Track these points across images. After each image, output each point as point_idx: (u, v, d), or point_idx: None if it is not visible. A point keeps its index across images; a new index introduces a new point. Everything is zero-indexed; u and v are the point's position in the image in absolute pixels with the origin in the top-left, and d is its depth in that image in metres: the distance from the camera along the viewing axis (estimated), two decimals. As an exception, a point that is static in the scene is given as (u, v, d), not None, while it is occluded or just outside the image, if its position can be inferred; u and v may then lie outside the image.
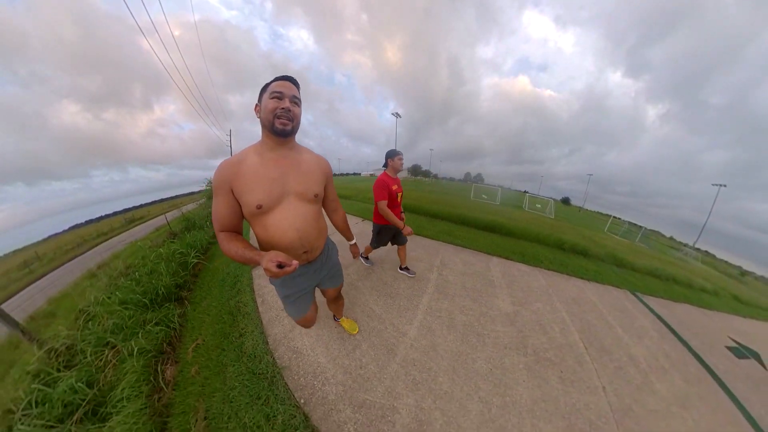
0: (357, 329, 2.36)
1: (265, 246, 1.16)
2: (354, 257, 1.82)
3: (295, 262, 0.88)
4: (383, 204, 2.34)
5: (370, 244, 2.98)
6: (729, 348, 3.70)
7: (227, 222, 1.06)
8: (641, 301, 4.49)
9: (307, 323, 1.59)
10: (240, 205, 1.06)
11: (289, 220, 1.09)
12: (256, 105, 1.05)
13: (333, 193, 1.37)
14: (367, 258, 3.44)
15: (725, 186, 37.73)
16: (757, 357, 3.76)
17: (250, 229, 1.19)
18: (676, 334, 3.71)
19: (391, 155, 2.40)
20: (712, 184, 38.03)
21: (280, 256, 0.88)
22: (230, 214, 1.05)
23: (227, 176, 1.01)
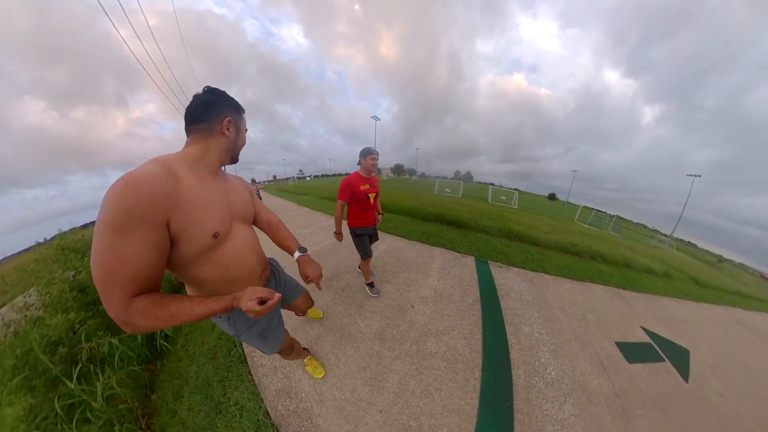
0: (321, 314, 2.30)
1: (216, 284, 0.84)
2: (307, 279, 1.07)
3: (277, 295, 0.74)
4: (339, 204, 2.09)
5: (361, 256, 2.41)
6: (621, 344, 2.24)
7: (150, 275, 0.63)
8: (482, 268, 3.36)
9: (287, 348, 1.30)
10: (170, 245, 0.69)
11: (246, 244, 0.92)
12: (229, 119, 0.83)
13: (260, 205, 1.14)
14: (371, 285, 2.61)
15: (699, 176, 36.34)
16: (679, 357, 2.32)
17: (178, 276, 0.80)
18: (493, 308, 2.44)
19: (364, 154, 2.05)
20: (687, 175, 36.58)
21: (259, 291, 0.72)
22: (157, 260, 0.64)
23: (161, 201, 0.62)
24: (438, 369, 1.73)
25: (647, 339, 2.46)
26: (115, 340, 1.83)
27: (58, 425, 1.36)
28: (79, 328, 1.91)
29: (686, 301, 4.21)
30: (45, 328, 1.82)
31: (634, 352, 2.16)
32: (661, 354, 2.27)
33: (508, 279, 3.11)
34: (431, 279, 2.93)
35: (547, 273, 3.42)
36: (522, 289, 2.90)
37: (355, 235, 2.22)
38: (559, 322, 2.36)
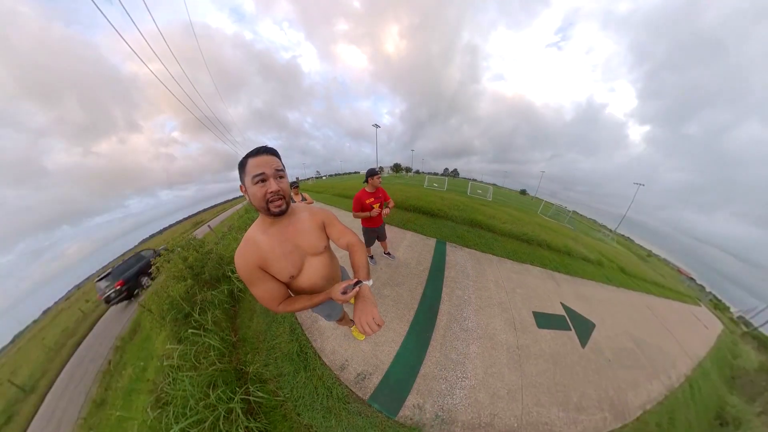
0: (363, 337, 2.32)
1: (301, 294, 1.14)
2: (341, 299, 0.99)
3: (354, 280, 0.93)
4: (356, 214, 2.47)
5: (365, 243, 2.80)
6: (537, 313, 2.46)
7: (279, 295, 1.02)
8: (440, 247, 3.74)
9: (342, 321, 1.80)
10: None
11: (316, 274, 1.11)
12: (241, 186, 0.94)
13: (338, 232, 1.17)
14: (371, 257, 3.32)
15: (643, 185, 39.30)
16: (584, 328, 2.58)
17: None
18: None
19: (371, 174, 2.39)
20: (634, 183, 39.37)
21: (342, 285, 0.92)
22: (277, 287, 1.02)
23: (255, 262, 0.97)
24: (386, 305, 2.42)
25: (562, 312, 2.71)
26: (215, 293, 2.86)
27: (189, 339, 2.19)
28: (191, 289, 2.94)
29: (609, 285, 4.66)
30: (177, 289, 2.88)
31: (546, 321, 2.38)
32: (570, 324, 2.52)
33: (458, 256, 3.31)
34: (398, 252, 3.47)
35: (494, 254, 3.61)
36: (467, 264, 3.13)
37: (365, 232, 2.75)
38: (489, 291, 2.58)
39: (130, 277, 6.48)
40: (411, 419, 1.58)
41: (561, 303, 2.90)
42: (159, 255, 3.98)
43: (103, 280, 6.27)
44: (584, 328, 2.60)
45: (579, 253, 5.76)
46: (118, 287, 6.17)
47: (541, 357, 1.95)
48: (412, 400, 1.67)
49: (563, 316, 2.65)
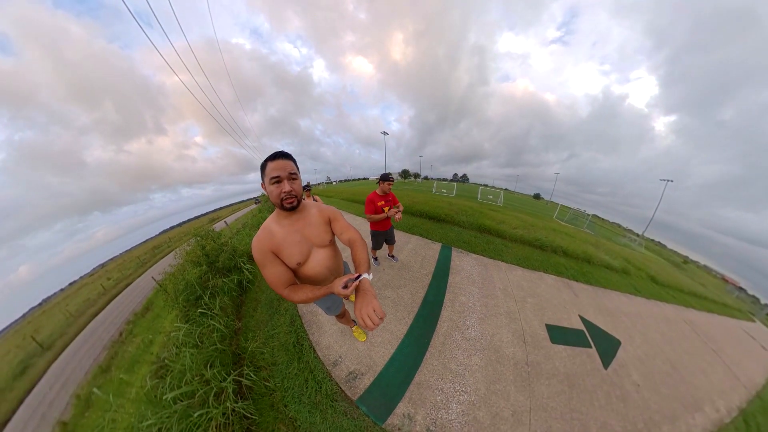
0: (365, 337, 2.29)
1: (306, 282, 1.21)
2: (342, 293, 0.97)
3: (355, 274, 0.94)
4: (370, 216, 2.47)
5: (372, 246, 3.01)
6: (551, 326, 2.12)
7: (286, 278, 1.06)
8: (445, 252, 3.58)
9: (343, 319, 1.77)
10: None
11: (321, 264, 1.17)
12: (262, 183, 1.04)
13: (341, 227, 1.22)
14: (375, 259, 3.40)
15: (672, 181, 33.81)
16: (607, 346, 2.19)
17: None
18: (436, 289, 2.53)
19: (383, 179, 2.41)
20: (660, 180, 34.03)
21: (343, 279, 0.92)
22: (285, 271, 1.06)
23: (269, 247, 1.04)
24: (386, 306, 2.29)
25: (581, 326, 2.34)
26: (226, 280, 2.93)
27: (196, 320, 2.24)
28: (205, 275, 3.06)
29: (637, 297, 4.01)
30: (192, 273, 2.98)
31: (561, 335, 2.05)
32: (590, 341, 2.16)
33: (464, 262, 3.10)
34: (402, 255, 3.38)
35: (503, 261, 3.31)
36: (473, 270, 2.91)
37: (373, 236, 2.76)
38: (496, 299, 2.34)
39: (257, 200, 31.23)
40: (399, 429, 1.40)
41: (579, 316, 2.52)
42: (259, 201, 19.41)
43: (254, 200, 38.55)
44: (608, 346, 2.21)
45: (600, 260, 5.11)
46: (255, 203, 31.20)
47: (554, 377, 1.66)
48: (402, 408, 1.50)
49: (582, 330, 2.28)
